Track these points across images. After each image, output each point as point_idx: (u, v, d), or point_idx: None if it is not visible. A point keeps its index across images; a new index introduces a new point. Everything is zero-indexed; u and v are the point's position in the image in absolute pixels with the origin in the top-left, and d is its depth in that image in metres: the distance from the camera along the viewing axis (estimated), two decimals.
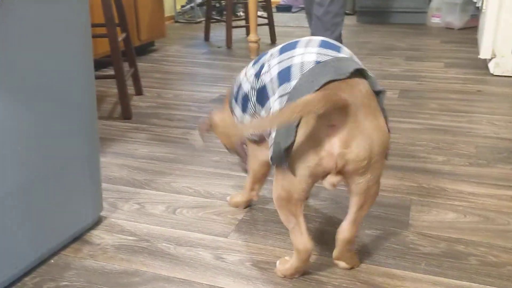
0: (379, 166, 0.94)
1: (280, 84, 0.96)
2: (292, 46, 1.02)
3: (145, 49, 3.50)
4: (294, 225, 1.02)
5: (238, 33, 3.97)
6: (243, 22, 4.12)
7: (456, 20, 4.23)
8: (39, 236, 1.13)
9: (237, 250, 1.21)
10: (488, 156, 1.72)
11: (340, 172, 0.93)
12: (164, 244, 1.24)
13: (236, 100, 1.19)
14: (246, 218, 1.34)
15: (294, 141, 0.90)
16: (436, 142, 1.86)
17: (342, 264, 1.11)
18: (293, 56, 0.98)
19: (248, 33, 3.59)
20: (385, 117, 0.94)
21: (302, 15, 5.09)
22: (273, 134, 0.95)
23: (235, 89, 1.20)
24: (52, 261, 1.17)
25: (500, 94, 2.44)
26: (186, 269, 1.14)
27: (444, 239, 1.24)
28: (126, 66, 2.29)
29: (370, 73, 0.95)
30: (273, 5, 5.31)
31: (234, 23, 3.80)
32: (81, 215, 1.26)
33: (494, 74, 2.79)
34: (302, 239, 1.03)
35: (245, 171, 1.36)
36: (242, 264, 1.15)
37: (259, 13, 3.81)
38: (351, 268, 1.12)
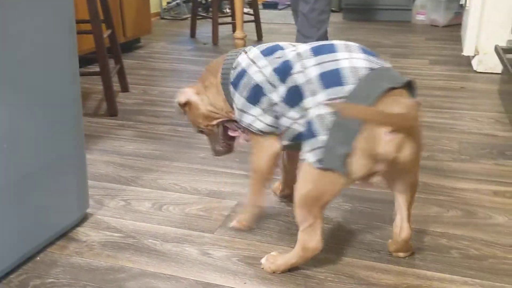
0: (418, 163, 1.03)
1: (327, 86, 0.96)
2: (329, 49, 1.01)
3: (131, 45, 3.48)
4: (310, 224, 1.03)
5: (224, 30, 3.97)
6: (229, 19, 4.11)
7: (440, 17, 4.27)
8: (25, 233, 1.13)
9: (223, 246, 1.21)
10: (471, 151, 1.75)
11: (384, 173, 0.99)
12: (150, 240, 1.24)
13: (236, 87, 1.13)
14: (233, 214, 1.35)
15: (351, 148, 0.92)
16: None
17: (401, 254, 1.15)
18: (337, 60, 0.98)
19: (234, 29, 3.59)
20: None
21: (289, 12, 5.09)
22: (322, 137, 0.94)
23: (232, 73, 1.15)
24: (38, 258, 1.17)
25: (483, 91, 2.47)
26: (173, 265, 1.14)
27: (428, 233, 1.26)
28: (111, 62, 2.27)
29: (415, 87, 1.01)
30: (259, 2, 5.30)
31: (220, 20, 3.79)
32: (67, 212, 1.26)
33: (477, 71, 2.82)
34: (315, 239, 1.04)
35: (218, 153, 1.30)
36: (229, 259, 1.16)
37: (245, 10, 3.80)
38: (411, 254, 1.16)
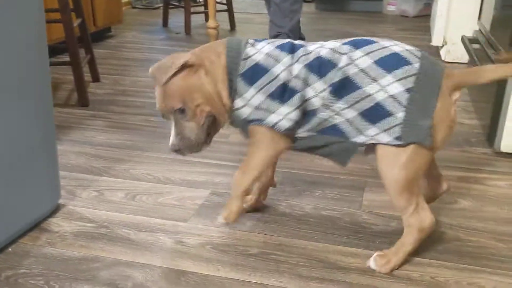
0: None
1: (391, 69, 1.01)
2: (367, 42, 1.06)
3: (102, 35, 3.43)
4: (416, 205, 1.05)
5: (197, 19, 3.94)
6: (202, 8, 4.09)
7: (410, 8, 4.34)
8: None
9: (197, 234, 1.23)
10: None
11: None
12: (124, 230, 1.24)
13: (250, 81, 1.07)
14: (206, 203, 1.37)
15: (432, 119, 1.00)
16: None
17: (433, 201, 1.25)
18: (385, 47, 1.04)
19: (207, 19, 3.58)
20: None
21: (262, 2, 5.08)
22: (399, 115, 1.00)
23: (243, 64, 1.08)
24: (10, 249, 1.16)
25: None
26: (147, 254, 1.15)
27: (395, 217, 1.30)
28: (82, 52, 2.24)
29: None
30: None
31: (193, 9, 3.76)
32: (38, 203, 1.25)
33: (446, 60, 2.89)
34: (427, 215, 1.06)
35: (190, 147, 1.10)
36: (203, 247, 1.18)
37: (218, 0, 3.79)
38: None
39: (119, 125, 1.91)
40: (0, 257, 1.13)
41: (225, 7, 3.74)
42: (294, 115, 1.06)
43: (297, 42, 1.13)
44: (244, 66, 1.08)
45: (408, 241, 1.09)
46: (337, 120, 1.06)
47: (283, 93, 1.06)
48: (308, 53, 1.08)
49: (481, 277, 1.08)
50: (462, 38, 2.20)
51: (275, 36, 2.85)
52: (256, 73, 1.07)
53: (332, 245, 1.19)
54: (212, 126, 1.12)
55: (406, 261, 1.12)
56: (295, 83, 1.05)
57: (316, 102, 1.06)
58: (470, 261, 1.14)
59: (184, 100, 1.06)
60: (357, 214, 1.31)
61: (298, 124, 1.08)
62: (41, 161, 1.23)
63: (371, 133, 1.03)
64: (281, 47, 1.09)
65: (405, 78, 1.00)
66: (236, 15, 3.85)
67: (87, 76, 2.43)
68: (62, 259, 1.13)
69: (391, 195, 1.06)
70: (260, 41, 1.13)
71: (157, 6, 4.74)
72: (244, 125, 1.12)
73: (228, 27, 3.76)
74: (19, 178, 1.17)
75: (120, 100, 2.20)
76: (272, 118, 1.07)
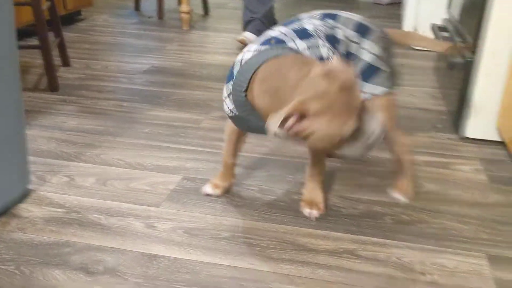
0: None
1: (367, 35, 1.22)
2: (332, 16, 1.24)
3: (72, 18, 3.36)
4: (400, 131, 1.35)
5: (170, 3, 3.90)
6: None
7: None
8: None
9: (168, 219, 1.24)
10: (407, 125, 1.84)
11: None
12: (94, 215, 1.24)
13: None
14: (178, 188, 1.37)
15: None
16: None
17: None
18: (351, 18, 1.25)
19: (179, 3, 3.54)
20: None
21: None
22: (384, 69, 1.23)
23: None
24: None
25: (420, 67, 2.59)
26: (118, 238, 1.15)
27: (363, 201, 1.33)
28: (51, 36, 2.19)
29: None
30: None
31: None
32: (8, 189, 1.23)
33: (416, 48, 2.94)
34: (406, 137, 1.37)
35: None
36: (174, 231, 1.19)
37: None
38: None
39: (90, 110, 1.89)
40: None
41: None
42: None
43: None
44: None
45: (408, 159, 1.33)
46: None
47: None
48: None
49: (444, 257, 1.13)
50: (432, 26, 2.24)
51: (249, 22, 2.84)
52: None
53: (302, 228, 1.21)
54: None
55: (372, 243, 1.16)
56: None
57: None
58: (434, 242, 1.18)
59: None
60: (326, 198, 1.34)
61: None
62: (10, 146, 1.22)
63: (367, 89, 1.21)
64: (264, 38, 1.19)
65: (378, 40, 1.22)
66: (210, 0, 3.82)
67: (57, 60, 2.39)
68: (32, 245, 1.13)
69: (391, 131, 1.25)
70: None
71: None
72: None
73: (202, 12, 3.73)
74: None
75: (91, 84, 2.17)
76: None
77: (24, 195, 1.31)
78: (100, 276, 1.03)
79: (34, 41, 2.74)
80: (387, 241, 1.18)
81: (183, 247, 1.13)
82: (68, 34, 2.99)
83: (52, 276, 1.03)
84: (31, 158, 1.47)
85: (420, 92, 2.21)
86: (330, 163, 1.53)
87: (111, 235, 1.17)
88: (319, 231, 1.20)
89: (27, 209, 1.26)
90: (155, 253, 1.11)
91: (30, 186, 1.35)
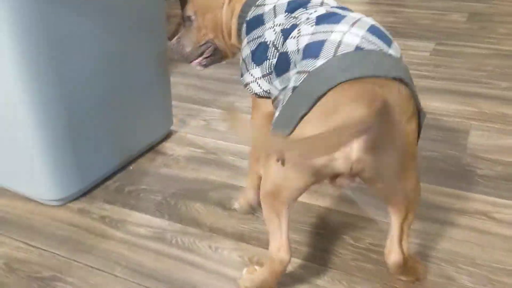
0: (414, 166, 0.79)
1: (304, 57, 0.79)
2: (335, 20, 0.82)
3: None
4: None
5: None
6: None
7: None
8: (119, 145, 1.25)
9: None
10: None
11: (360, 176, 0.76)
12: (230, 157, 1.33)
13: (248, 30, 0.96)
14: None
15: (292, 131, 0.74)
16: (501, 67, 1.82)
17: (403, 278, 0.93)
18: (332, 31, 0.80)
19: None
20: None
21: None
22: (276, 114, 0.81)
23: (252, 11, 0.97)
24: (131, 167, 1.31)
25: None
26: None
27: (502, 162, 1.26)
28: None
29: (414, 87, 0.78)
30: None
31: None
32: (154, 129, 1.37)
33: None
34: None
35: (180, 58, 1.09)
36: None
37: None
38: (417, 279, 0.93)
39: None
40: (123, 174, 1.28)
41: None
42: (263, 83, 0.93)
43: (315, 12, 0.89)
44: (253, 13, 0.97)
45: (264, 267, 0.91)
46: None
47: (261, 54, 0.92)
48: (296, 16, 0.90)
49: None
50: None
51: None
52: (255, 23, 0.95)
53: (435, 186, 1.19)
54: (215, 53, 1.08)
55: (508, 206, 1.10)
56: (271, 48, 0.91)
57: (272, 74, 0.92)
58: None
59: (196, 13, 1.03)
60: (460, 157, 1.29)
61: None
62: (157, 91, 1.34)
63: None
64: (289, 3, 0.93)
65: (300, 72, 0.80)
66: None
67: None
68: (177, 179, 1.25)
69: None
70: None
71: None
72: None
73: None
74: (139, 106, 1.28)
75: None
76: (246, 77, 0.96)
77: (168, 135, 1.44)
78: (235, 211, 1.12)
79: None
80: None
81: (310, 194, 1.18)
82: None
83: (194, 207, 1.14)
84: (173, 103, 1.60)
85: None
86: (463, 121, 1.46)
87: (242, 175, 1.25)
88: (453, 191, 1.17)
89: (170, 147, 1.39)
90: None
91: (173, 127, 1.48)
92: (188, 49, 1.07)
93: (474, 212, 1.09)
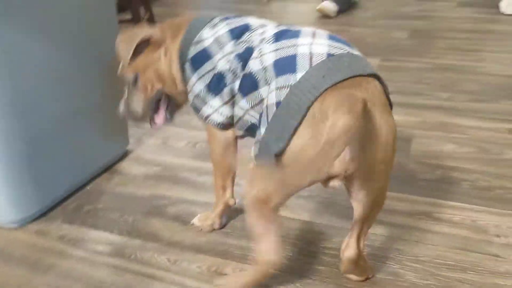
0: (391, 165, 0.83)
1: (279, 74, 0.83)
2: (293, 34, 0.88)
3: None
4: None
5: None
6: None
7: None
8: (76, 165, 1.27)
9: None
10: (491, 93, 1.80)
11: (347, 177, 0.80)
12: (186, 173, 1.37)
13: (195, 67, 0.98)
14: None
15: (285, 146, 0.78)
16: (441, 80, 1.94)
17: (353, 277, 0.99)
18: (296, 45, 0.85)
19: None
20: None
21: None
22: (262, 130, 0.84)
23: (193, 50, 0.99)
24: (88, 188, 1.32)
25: (509, 33, 2.47)
26: (208, 193, 1.27)
27: (441, 167, 1.35)
28: (141, 10, 2.35)
29: (384, 81, 0.85)
30: None
31: None
32: (110, 149, 1.39)
33: (505, 13, 2.80)
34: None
35: (134, 116, 1.06)
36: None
37: None
38: (365, 279, 0.99)
39: None
40: (80, 194, 1.29)
41: None
42: (225, 110, 0.97)
43: (253, 22, 0.98)
44: (194, 50, 0.99)
45: (249, 269, 0.96)
46: (253, 120, 0.94)
47: (218, 84, 0.96)
48: (246, 41, 0.94)
49: None
50: None
51: None
52: (201, 58, 0.97)
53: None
54: (170, 101, 1.07)
55: (448, 206, 1.19)
56: (228, 75, 0.94)
57: (236, 97, 0.95)
58: None
59: (137, 72, 1.03)
60: (405, 163, 1.37)
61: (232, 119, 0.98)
62: (113, 112, 1.37)
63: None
64: (231, 31, 0.97)
65: (281, 88, 0.84)
66: None
67: None
68: (134, 197, 1.28)
69: None
70: (226, 19, 1.00)
71: None
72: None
73: None
74: (95, 127, 1.31)
75: None
76: (205, 110, 0.99)
77: (125, 155, 1.47)
78: (192, 224, 1.16)
79: (127, 16, 2.94)
80: (465, 205, 1.20)
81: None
82: (156, 8, 3.16)
83: (152, 223, 1.17)
84: (130, 123, 1.63)
85: (508, 59, 2.13)
86: (406, 130, 1.55)
87: (202, 191, 1.29)
88: (398, 194, 1.25)
89: (127, 166, 1.42)
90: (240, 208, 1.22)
91: (130, 147, 1.50)
92: (139, 110, 1.05)
93: (417, 213, 1.17)
